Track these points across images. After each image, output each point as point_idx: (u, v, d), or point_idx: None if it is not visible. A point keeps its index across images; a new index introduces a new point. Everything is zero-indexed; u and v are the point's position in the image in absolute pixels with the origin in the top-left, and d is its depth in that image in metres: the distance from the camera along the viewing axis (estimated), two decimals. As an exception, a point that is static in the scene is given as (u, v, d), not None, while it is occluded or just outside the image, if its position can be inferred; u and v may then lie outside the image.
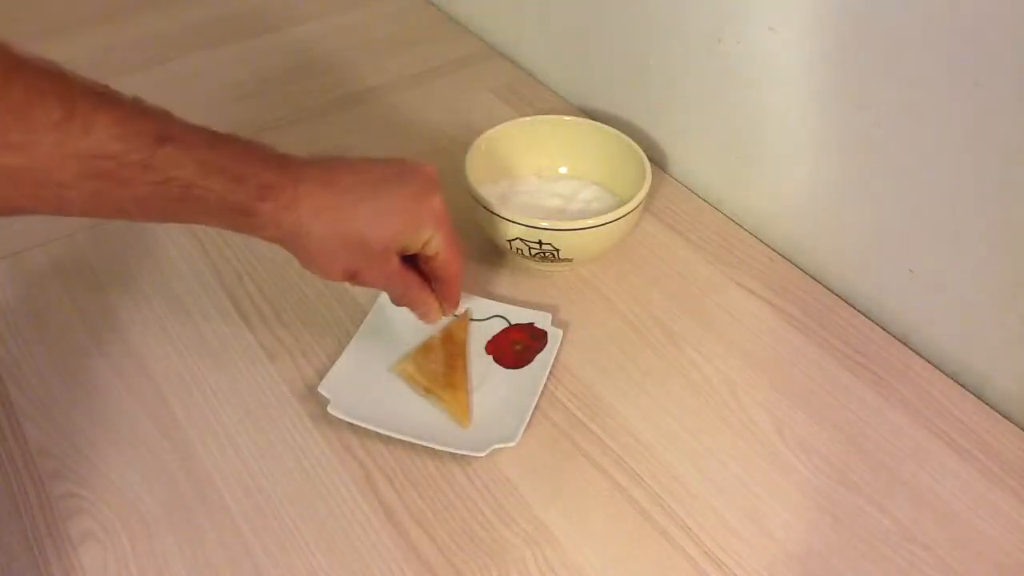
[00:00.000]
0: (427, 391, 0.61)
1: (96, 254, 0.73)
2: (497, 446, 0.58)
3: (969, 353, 0.65)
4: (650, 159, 0.72)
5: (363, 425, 0.59)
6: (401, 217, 0.56)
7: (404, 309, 0.64)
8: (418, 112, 0.91)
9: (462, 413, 0.60)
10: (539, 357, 0.64)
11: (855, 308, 0.71)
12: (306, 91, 0.93)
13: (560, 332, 0.66)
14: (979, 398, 0.64)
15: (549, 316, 0.67)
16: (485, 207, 0.67)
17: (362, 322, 0.66)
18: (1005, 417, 0.63)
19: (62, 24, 1.03)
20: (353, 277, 0.56)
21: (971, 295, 0.64)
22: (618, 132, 0.75)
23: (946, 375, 0.65)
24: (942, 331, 0.67)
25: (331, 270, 0.56)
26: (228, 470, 0.58)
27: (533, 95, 0.94)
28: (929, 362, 0.66)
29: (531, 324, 0.66)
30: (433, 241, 0.57)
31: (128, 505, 0.56)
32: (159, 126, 0.47)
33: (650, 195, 0.70)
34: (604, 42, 0.86)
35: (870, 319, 0.70)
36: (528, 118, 0.77)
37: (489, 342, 0.66)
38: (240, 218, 0.51)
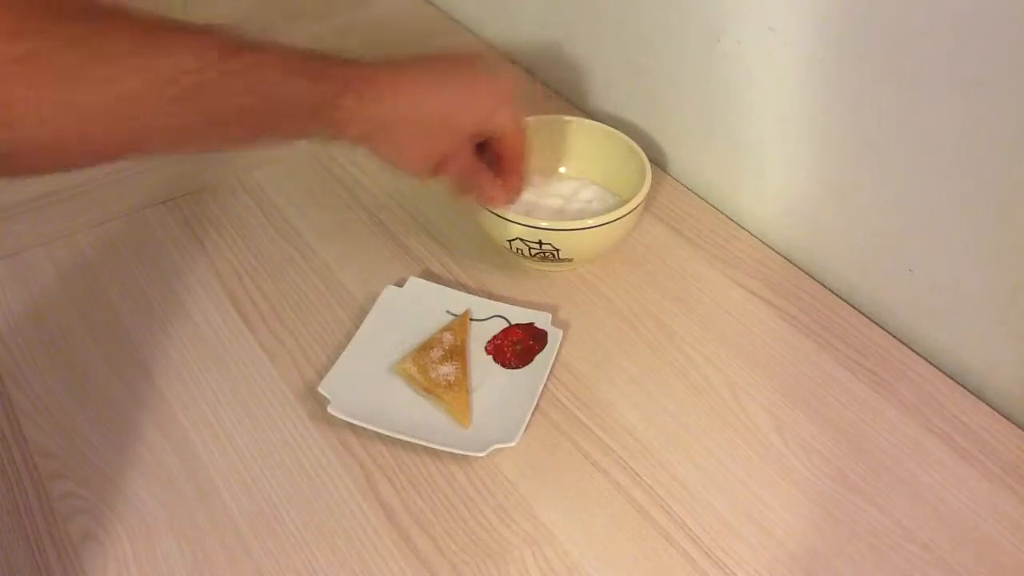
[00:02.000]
0: (427, 391, 0.61)
1: (96, 254, 0.73)
2: (497, 446, 0.58)
3: (969, 353, 0.65)
4: (650, 159, 0.72)
5: (363, 425, 0.59)
6: (477, 98, 0.59)
7: (405, 308, 0.64)
8: (418, 112, 0.91)
9: (462, 413, 0.60)
10: (539, 357, 0.64)
11: (855, 308, 0.71)
12: (306, 91, 0.93)
13: (560, 332, 0.66)
14: (979, 398, 0.64)
15: (549, 316, 0.67)
16: (485, 207, 0.67)
17: (362, 322, 0.66)
18: (1005, 417, 0.63)
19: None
20: (439, 166, 0.58)
21: (971, 295, 0.64)
22: (618, 132, 0.75)
23: (946, 375, 0.65)
24: (942, 331, 0.67)
25: (421, 159, 0.57)
26: (228, 470, 0.58)
27: (533, 95, 0.94)
28: (929, 362, 0.66)
29: (531, 324, 0.66)
30: (503, 119, 0.60)
31: (128, 505, 0.56)
32: (232, 39, 0.47)
33: (650, 195, 0.70)
34: (604, 42, 0.86)
35: (870, 319, 0.70)
36: (528, 118, 0.77)
37: (489, 342, 0.66)
38: (327, 116, 0.52)
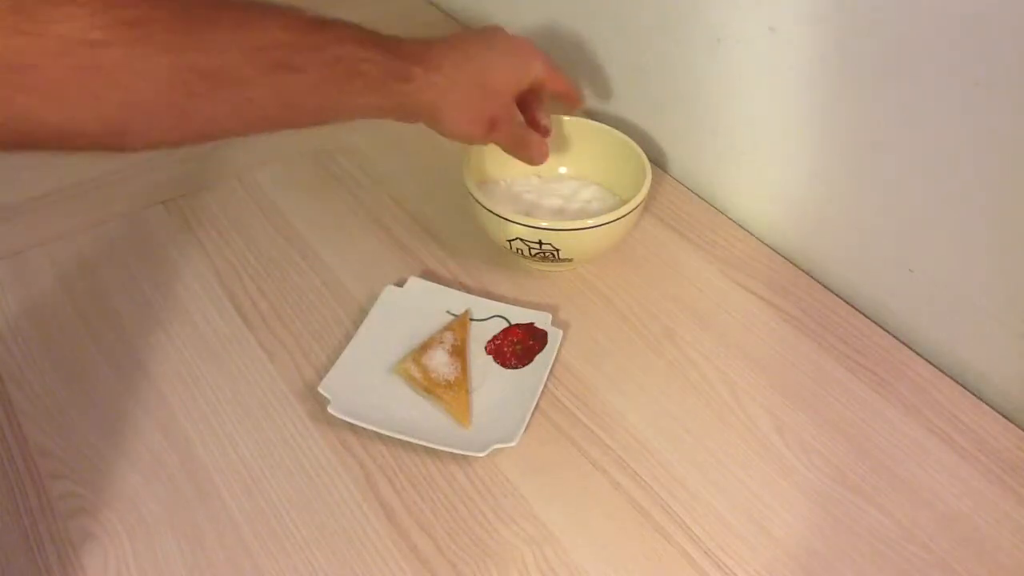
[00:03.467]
0: (427, 391, 0.61)
1: (96, 254, 0.73)
2: (497, 446, 0.58)
3: (969, 353, 0.65)
4: (650, 159, 0.72)
5: (363, 425, 0.59)
6: (514, 58, 0.65)
7: (405, 308, 0.64)
8: (418, 112, 0.91)
9: (462, 413, 0.60)
10: (539, 357, 0.64)
11: (855, 308, 0.71)
12: (306, 91, 0.93)
13: (560, 332, 0.66)
14: (979, 398, 0.64)
15: (549, 316, 0.67)
16: (485, 207, 0.67)
17: (362, 322, 0.66)
18: (1005, 417, 0.63)
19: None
20: (493, 127, 0.63)
21: (971, 295, 0.64)
22: (618, 132, 0.75)
23: (946, 375, 0.65)
24: (942, 331, 0.67)
25: (477, 122, 0.62)
26: (228, 470, 0.58)
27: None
28: (929, 362, 0.66)
29: (531, 324, 0.66)
30: (539, 65, 0.66)
31: (128, 505, 0.56)
32: (313, 16, 0.51)
33: (650, 195, 0.70)
34: (604, 42, 0.86)
35: (870, 319, 0.70)
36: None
37: (489, 342, 0.66)
38: (399, 89, 0.56)
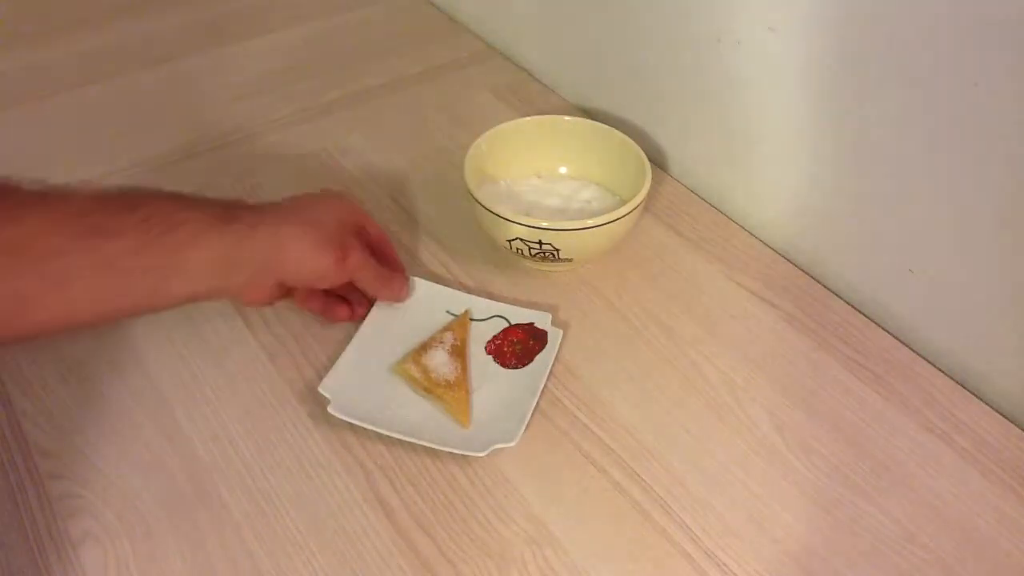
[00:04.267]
0: (427, 391, 0.61)
1: (96, 254, 0.73)
2: (497, 446, 0.58)
3: (969, 353, 0.65)
4: (650, 159, 0.72)
5: (363, 425, 0.59)
6: (342, 201, 0.63)
7: (404, 308, 0.64)
8: (418, 112, 0.91)
9: (462, 413, 0.60)
10: (539, 357, 0.64)
11: (855, 308, 0.71)
12: (306, 91, 0.93)
13: (560, 332, 0.66)
14: (979, 398, 0.64)
15: (549, 316, 0.67)
16: (485, 207, 0.67)
17: (362, 322, 0.66)
18: (1005, 417, 0.63)
19: (62, 23, 1.03)
20: (344, 253, 0.59)
21: (971, 295, 0.64)
22: (618, 132, 0.75)
23: (946, 375, 0.65)
24: (942, 331, 0.67)
25: (323, 247, 0.58)
26: (228, 470, 0.58)
27: (533, 95, 0.94)
28: (929, 362, 0.66)
29: (531, 324, 0.66)
30: (367, 220, 0.65)
31: (128, 505, 0.56)
32: (124, 187, 0.50)
33: (650, 195, 0.70)
34: (604, 42, 0.86)
35: (870, 319, 0.70)
36: (528, 118, 0.77)
37: (489, 342, 0.66)
38: (230, 227, 0.53)
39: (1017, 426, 0.62)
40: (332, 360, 0.63)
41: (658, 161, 0.84)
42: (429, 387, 0.61)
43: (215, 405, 0.62)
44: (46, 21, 1.04)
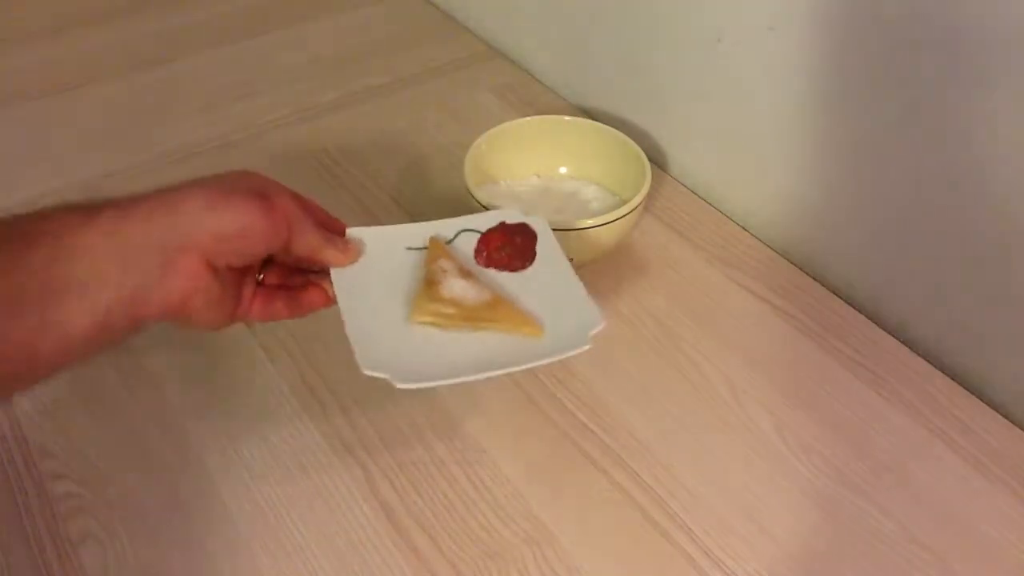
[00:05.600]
0: (469, 320, 0.53)
1: (96, 254, 0.73)
2: (593, 332, 0.51)
3: (969, 353, 0.65)
4: (650, 159, 0.72)
5: (446, 383, 0.50)
6: (246, 173, 0.53)
7: (361, 267, 0.56)
8: (418, 112, 0.91)
9: (525, 324, 0.53)
10: (541, 249, 0.57)
11: (855, 308, 0.70)
12: (306, 91, 0.93)
13: (543, 219, 0.59)
14: (979, 398, 0.64)
15: (515, 209, 0.60)
16: (485, 207, 0.67)
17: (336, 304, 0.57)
18: (1005, 417, 0.63)
19: (62, 23, 1.03)
20: (268, 202, 0.49)
21: (971, 295, 0.64)
22: (618, 132, 0.75)
23: (946, 375, 0.65)
24: (942, 331, 0.67)
25: (245, 200, 0.48)
26: (228, 470, 0.58)
27: (533, 95, 0.94)
28: (929, 362, 0.66)
29: (502, 224, 0.59)
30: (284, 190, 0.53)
31: (128, 505, 0.56)
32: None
33: (650, 195, 0.70)
34: (604, 42, 0.86)
35: (870, 319, 0.70)
36: (528, 118, 0.77)
37: (476, 257, 0.58)
38: (107, 215, 0.43)
39: (1017, 426, 0.62)
40: (332, 360, 0.63)
41: (658, 161, 0.84)
42: (470, 315, 0.53)
43: (215, 405, 0.62)
44: (43, 21, 1.04)
